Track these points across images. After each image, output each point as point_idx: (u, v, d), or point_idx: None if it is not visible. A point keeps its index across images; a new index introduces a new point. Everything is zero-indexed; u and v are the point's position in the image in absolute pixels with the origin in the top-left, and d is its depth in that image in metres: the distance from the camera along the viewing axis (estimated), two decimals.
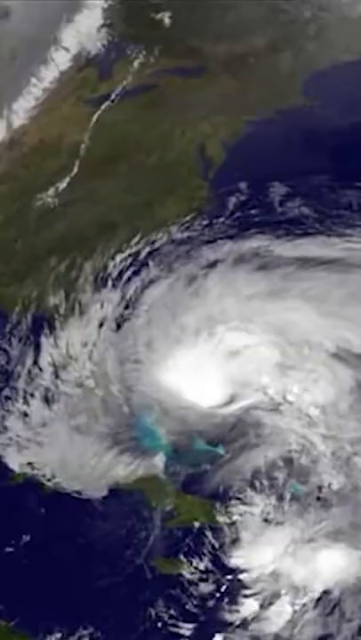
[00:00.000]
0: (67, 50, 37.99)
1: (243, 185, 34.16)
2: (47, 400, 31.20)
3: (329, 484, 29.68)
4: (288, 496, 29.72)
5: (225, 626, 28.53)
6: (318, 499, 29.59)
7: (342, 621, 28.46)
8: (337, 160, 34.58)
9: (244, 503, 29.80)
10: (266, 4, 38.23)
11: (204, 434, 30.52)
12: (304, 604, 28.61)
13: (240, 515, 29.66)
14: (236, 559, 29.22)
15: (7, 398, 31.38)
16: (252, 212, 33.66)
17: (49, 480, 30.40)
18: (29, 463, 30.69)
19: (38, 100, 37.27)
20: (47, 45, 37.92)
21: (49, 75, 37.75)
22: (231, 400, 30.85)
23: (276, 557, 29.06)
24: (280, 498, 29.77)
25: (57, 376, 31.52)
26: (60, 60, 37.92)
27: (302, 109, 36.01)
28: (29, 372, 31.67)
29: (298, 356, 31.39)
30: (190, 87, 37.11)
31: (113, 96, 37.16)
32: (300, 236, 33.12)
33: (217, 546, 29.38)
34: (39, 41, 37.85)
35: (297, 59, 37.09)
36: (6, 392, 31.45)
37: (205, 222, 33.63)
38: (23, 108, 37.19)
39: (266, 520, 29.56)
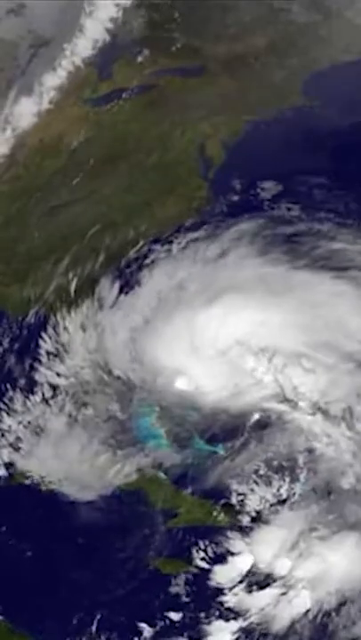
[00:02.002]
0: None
1: (242, 184, 34.17)
2: (45, 399, 31.18)
3: (344, 480, 29.37)
4: (294, 493, 29.54)
5: (231, 622, 28.48)
6: (329, 493, 29.26)
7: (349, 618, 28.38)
8: (337, 160, 34.59)
9: (245, 500, 29.70)
10: (266, 4, 38.32)
11: (206, 431, 30.40)
12: (311, 600, 28.45)
13: (241, 513, 29.59)
14: (238, 557, 29.16)
15: (5, 396, 31.37)
16: (254, 210, 33.67)
17: (47, 480, 30.33)
18: (26, 463, 30.65)
19: (69, 75, 37.51)
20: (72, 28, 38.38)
21: (80, 49, 37.98)
22: (239, 392, 30.37)
23: (281, 554, 28.89)
24: (285, 494, 29.59)
25: (53, 371, 31.48)
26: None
27: (302, 109, 36.06)
28: (29, 370, 31.68)
29: (328, 341, 29.99)
30: (190, 87, 37.19)
31: (113, 96, 37.24)
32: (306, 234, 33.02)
33: (218, 545, 29.33)
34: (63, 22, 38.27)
35: (297, 59, 37.16)
36: (6, 391, 31.46)
37: (205, 220, 33.60)
38: (53, 85, 37.30)
39: (268, 517, 29.41)
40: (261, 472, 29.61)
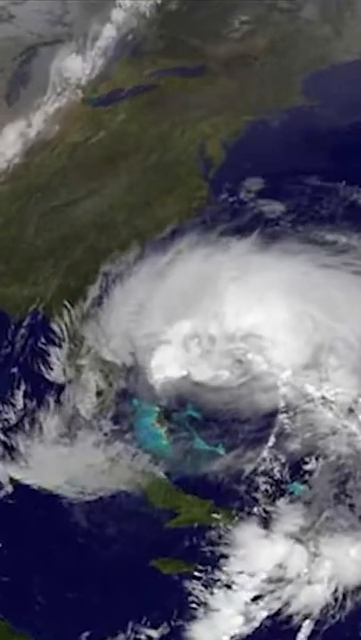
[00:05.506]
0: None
1: (242, 184, 34.20)
2: (45, 398, 31.18)
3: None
4: (291, 492, 29.42)
5: (233, 623, 28.43)
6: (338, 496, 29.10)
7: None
8: (336, 160, 34.65)
9: (245, 500, 29.63)
10: (266, 4, 38.47)
11: (206, 431, 30.36)
12: (327, 595, 28.21)
13: (240, 513, 29.54)
14: (238, 557, 29.11)
15: (5, 395, 31.37)
16: (254, 209, 33.71)
17: (47, 481, 30.33)
18: (26, 464, 30.65)
19: (112, 41, 38.30)
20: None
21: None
22: (250, 387, 30.25)
23: (296, 546, 28.66)
24: (285, 492, 29.47)
25: (53, 369, 31.50)
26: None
27: (302, 109, 36.14)
28: (29, 369, 31.68)
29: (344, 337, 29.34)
30: (190, 87, 37.32)
31: (113, 96, 37.36)
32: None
33: (218, 545, 29.29)
34: None
35: (297, 59, 37.24)
36: (6, 390, 31.47)
37: (205, 219, 33.62)
38: (102, 47, 38.07)
39: (267, 516, 29.26)
40: (252, 487, 29.55)
